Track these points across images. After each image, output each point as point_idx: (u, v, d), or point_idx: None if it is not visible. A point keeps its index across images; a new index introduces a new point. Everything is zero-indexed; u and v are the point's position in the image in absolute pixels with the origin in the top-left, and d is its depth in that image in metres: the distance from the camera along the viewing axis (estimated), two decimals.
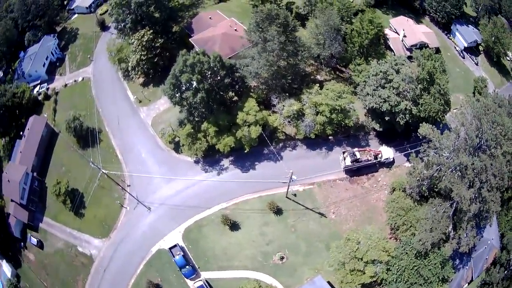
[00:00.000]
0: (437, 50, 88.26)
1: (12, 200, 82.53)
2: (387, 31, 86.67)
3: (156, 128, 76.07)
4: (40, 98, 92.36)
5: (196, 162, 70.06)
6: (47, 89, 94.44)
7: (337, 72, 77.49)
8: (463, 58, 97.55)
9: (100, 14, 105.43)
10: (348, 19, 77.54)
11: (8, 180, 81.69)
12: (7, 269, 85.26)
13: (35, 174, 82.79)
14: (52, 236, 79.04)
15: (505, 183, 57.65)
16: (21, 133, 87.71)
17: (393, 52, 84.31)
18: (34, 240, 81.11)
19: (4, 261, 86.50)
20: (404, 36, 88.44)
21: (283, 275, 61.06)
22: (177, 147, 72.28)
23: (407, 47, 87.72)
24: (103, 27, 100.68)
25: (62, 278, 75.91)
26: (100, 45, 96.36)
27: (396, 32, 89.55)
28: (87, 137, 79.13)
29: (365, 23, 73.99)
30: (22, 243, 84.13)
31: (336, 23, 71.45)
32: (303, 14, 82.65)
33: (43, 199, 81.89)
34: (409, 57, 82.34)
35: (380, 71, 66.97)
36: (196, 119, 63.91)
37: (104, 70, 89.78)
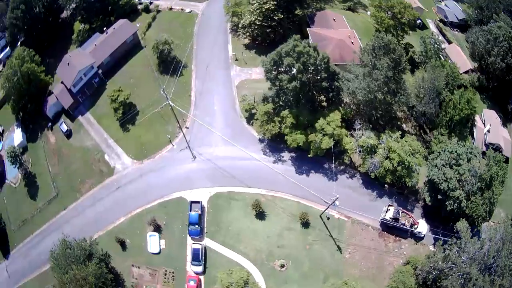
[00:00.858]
0: (506, 160, 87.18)
1: (62, 82, 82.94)
2: (477, 117, 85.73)
3: (239, 91, 75.58)
4: (139, 7, 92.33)
5: (261, 140, 69.68)
6: (151, 3, 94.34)
7: (421, 131, 76.51)
8: None
9: None
10: (452, 88, 76.92)
11: (68, 64, 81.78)
12: (17, 137, 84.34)
13: (100, 71, 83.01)
14: (85, 133, 78.88)
15: None
16: (104, 28, 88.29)
17: (473, 140, 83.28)
18: (64, 127, 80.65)
19: (20, 129, 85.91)
20: (488, 131, 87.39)
21: (273, 281, 60.46)
22: (249, 118, 71.93)
23: (485, 142, 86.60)
24: None
25: (71, 172, 76.33)
26: None
27: (484, 123, 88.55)
28: (169, 65, 78.78)
29: (463, 100, 73.42)
30: (50, 124, 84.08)
31: (440, 86, 70.95)
32: (416, 61, 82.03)
33: (96, 97, 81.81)
34: (483, 152, 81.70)
35: (456, 152, 66.28)
36: (280, 103, 63.32)
37: (215, 14, 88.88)
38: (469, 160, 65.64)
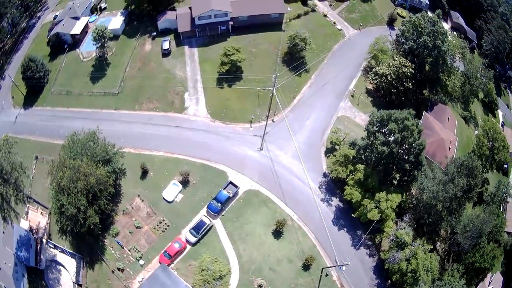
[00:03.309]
0: None
1: (190, 8, 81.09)
2: (488, 276, 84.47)
3: (336, 123, 73.56)
4: None
5: (325, 175, 67.78)
6: None
7: (446, 257, 73.16)
8: None
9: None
10: (490, 238, 75.79)
11: None
12: (115, 22, 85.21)
13: (231, 23, 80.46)
14: (182, 63, 77.72)
15: None
16: None
17: None
18: (166, 45, 78.60)
19: (122, 18, 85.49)
20: None
21: None
22: (329, 151, 69.96)
23: None
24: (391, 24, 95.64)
25: (145, 84, 75.73)
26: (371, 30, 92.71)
27: (489, 283, 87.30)
28: (294, 61, 77.18)
29: (491, 254, 72.17)
30: (155, 33, 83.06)
31: (484, 231, 69.29)
32: (483, 198, 79.99)
33: (212, 42, 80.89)
34: None
35: None
36: (362, 156, 61.58)
37: (358, 46, 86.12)
38: None
